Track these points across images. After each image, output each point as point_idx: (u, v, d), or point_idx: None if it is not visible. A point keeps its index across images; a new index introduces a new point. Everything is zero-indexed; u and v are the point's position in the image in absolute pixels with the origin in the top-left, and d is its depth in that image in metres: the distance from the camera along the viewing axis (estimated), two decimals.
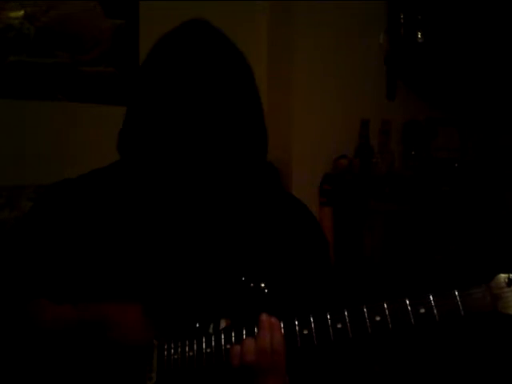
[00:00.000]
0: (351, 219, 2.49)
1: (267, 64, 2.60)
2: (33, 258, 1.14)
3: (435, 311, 0.99)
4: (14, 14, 2.20)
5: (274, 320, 1.02)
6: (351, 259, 2.45)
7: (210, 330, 1.04)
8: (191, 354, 1.02)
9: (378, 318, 1.00)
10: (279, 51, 2.60)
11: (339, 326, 1.01)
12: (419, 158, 2.69)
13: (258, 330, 1.02)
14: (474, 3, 2.53)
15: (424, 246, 2.46)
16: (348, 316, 1.01)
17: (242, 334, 1.03)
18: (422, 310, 1.00)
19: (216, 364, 1.02)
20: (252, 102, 1.13)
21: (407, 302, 1.01)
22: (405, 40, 2.60)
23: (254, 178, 1.17)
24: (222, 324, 1.05)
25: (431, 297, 1.00)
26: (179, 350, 1.03)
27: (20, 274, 1.13)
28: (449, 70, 2.61)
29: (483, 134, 2.78)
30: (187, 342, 1.03)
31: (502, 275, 0.99)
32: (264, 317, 1.03)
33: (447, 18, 2.57)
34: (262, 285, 1.09)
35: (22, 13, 2.21)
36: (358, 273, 2.41)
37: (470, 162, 2.70)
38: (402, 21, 2.60)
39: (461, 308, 0.99)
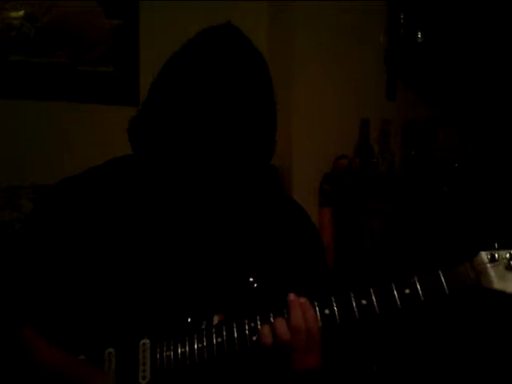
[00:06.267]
0: (351, 219, 2.50)
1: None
2: (35, 270, 1.13)
3: (420, 291, 1.00)
4: (14, 14, 2.21)
5: (303, 299, 1.02)
6: (351, 259, 2.46)
7: (203, 326, 1.05)
8: (183, 350, 1.03)
9: (364, 302, 1.01)
10: (279, 51, 2.60)
11: (327, 311, 1.02)
12: (419, 158, 2.69)
13: (288, 310, 1.01)
14: (474, 3, 2.54)
15: (424, 246, 2.46)
16: (335, 301, 1.02)
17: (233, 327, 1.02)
18: (407, 291, 1.00)
19: (208, 358, 1.02)
20: (269, 113, 1.15)
21: (392, 283, 1.01)
22: (405, 40, 2.61)
23: (255, 179, 1.18)
24: (215, 320, 1.06)
25: (415, 277, 1.01)
26: (172, 346, 1.03)
27: (18, 287, 1.12)
28: (449, 69, 2.61)
29: (483, 134, 2.78)
30: (179, 339, 1.03)
31: (484, 252, 1.01)
32: (292, 297, 1.02)
33: (447, 17, 2.57)
34: (251, 279, 1.10)
35: (21, 13, 2.22)
36: (358, 272, 2.41)
37: (470, 162, 2.70)
38: (402, 21, 2.60)
39: (445, 286, 1.00)
